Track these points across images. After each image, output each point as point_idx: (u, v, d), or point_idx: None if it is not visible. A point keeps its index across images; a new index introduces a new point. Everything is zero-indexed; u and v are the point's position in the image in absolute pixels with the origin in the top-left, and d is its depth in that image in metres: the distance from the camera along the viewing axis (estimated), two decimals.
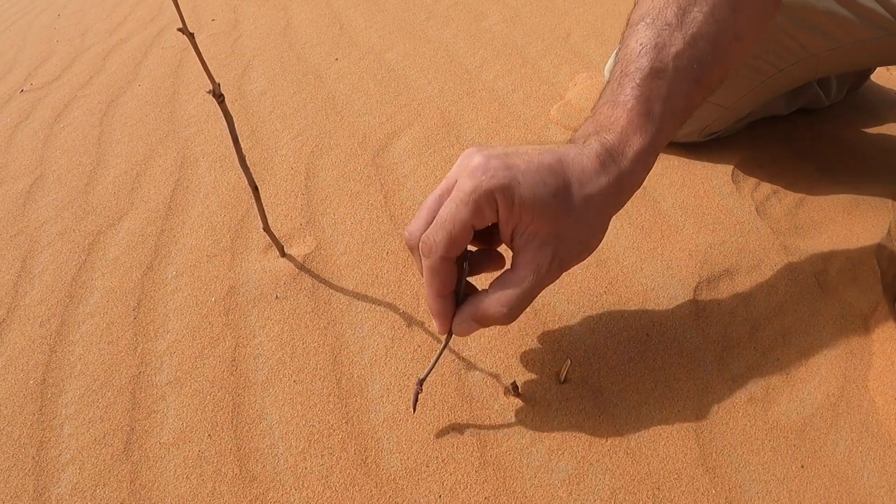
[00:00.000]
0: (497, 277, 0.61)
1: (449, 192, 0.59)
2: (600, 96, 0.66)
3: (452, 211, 0.56)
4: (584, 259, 0.61)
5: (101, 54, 1.57)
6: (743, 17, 0.66)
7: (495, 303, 0.59)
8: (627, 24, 0.69)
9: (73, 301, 0.86)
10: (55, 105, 1.35)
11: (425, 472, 0.64)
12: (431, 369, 0.65)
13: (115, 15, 1.82)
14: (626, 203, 0.63)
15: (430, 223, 0.59)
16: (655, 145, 0.62)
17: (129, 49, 1.58)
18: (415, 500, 0.62)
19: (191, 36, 0.68)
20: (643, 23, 0.66)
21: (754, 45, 0.70)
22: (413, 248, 0.61)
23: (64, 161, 1.15)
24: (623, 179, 0.60)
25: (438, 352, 0.65)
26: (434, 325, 0.64)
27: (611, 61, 1.05)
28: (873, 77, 1.20)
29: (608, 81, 0.66)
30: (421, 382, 0.66)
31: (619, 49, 0.67)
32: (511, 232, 0.58)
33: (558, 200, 0.57)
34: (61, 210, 1.02)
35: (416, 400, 0.67)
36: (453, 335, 0.63)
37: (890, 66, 1.27)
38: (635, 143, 0.60)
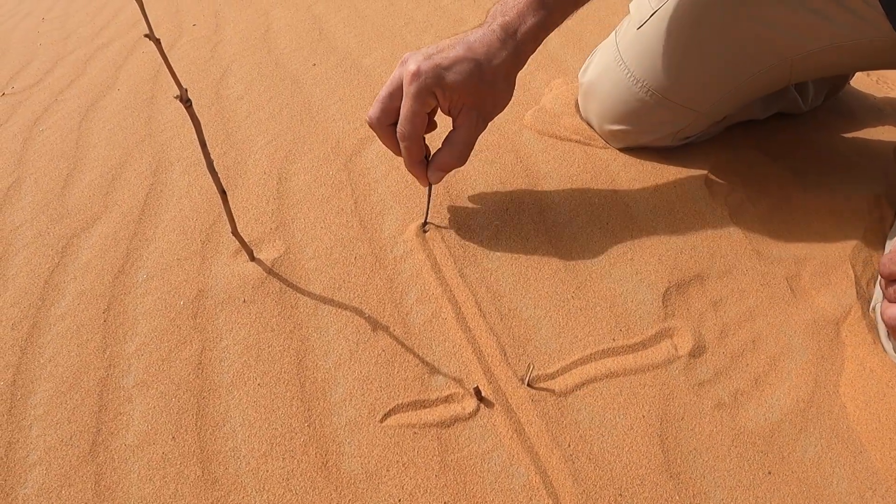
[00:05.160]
0: (446, 137, 0.84)
1: (397, 88, 0.80)
2: None
3: (409, 108, 0.78)
4: (501, 111, 0.86)
5: (82, 58, 1.57)
6: None
7: (447, 154, 0.83)
8: None
9: (45, 304, 0.85)
10: (35, 109, 1.35)
11: (385, 475, 0.64)
12: (428, 210, 0.91)
13: (99, 19, 1.82)
14: (523, 67, 0.84)
15: (383, 111, 0.81)
16: (546, 24, 0.82)
17: (111, 53, 1.58)
18: None
19: (157, 42, 0.68)
20: None
21: None
22: (374, 128, 0.83)
23: (41, 164, 1.15)
24: (518, 49, 0.81)
25: (428, 196, 0.91)
26: (418, 184, 0.90)
27: (585, 67, 1.05)
28: (853, 82, 1.20)
29: None
30: (425, 224, 0.91)
31: None
32: (448, 108, 0.81)
33: (474, 77, 0.78)
34: (37, 213, 1.02)
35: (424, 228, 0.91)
36: (431, 185, 0.88)
37: (870, 71, 1.27)
38: (528, 22, 0.81)
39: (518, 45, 0.81)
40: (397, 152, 0.85)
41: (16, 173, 1.13)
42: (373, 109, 0.82)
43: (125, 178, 1.08)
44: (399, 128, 0.81)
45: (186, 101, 0.71)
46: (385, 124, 0.83)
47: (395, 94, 0.81)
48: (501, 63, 0.80)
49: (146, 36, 0.66)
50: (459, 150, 0.83)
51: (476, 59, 0.79)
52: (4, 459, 0.69)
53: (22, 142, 1.23)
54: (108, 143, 1.19)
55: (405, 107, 0.79)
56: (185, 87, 0.70)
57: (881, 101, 1.18)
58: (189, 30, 1.63)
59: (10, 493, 0.66)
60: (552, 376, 0.72)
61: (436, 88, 0.78)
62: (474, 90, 0.79)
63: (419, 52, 0.80)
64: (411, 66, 0.78)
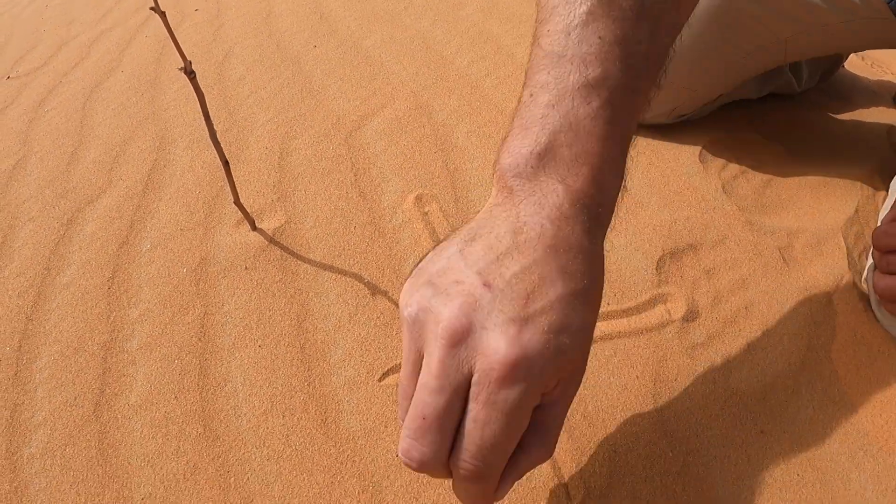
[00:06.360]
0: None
1: (458, 389, 0.43)
2: (538, 91, 0.50)
3: (501, 429, 0.42)
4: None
5: (86, 42, 1.58)
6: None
7: (539, 448, 0.47)
8: (542, 7, 0.52)
9: (51, 273, 0.87)
10: (40, 90, 1.37)
11: (383, 432, 0.65)
12: None
13: (102, 5, 1.83)
14: None
15: (443, 438, 0.43)
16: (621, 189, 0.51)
17: (115, 37, 1.59)
18: (372, 459, 0.63)
19: (163, 14, 0.69)
20: (592, 10, 0.48)
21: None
22: (430, 471, 0.45)
23: (47, 143, 1.16)
24: (605, 237, 0.50)
25: None
26: None
27: None
28: (846, 65, 1.21)
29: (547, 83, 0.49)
30: None
31: (558, 35, 0.49)
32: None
33: (586, 328, 0.46)
34: (43, 188, 1.04)
35: None
36: None
37: (863, 54, 1.28)
38: (612, 190, 0.49)
39: (604, 233, 0.50)
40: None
41: (21, 151, 1.15)
42: (419, 441, 0.43)
43: (129, 154, 1.09)
44: (469, 465, 0.43)
45: (191, 73, 0.72)
46: (447, 459, 0.44)
47: (455, 402, 0.43)
48: (599, 275, 0.48)
49: (151, 9, 0.68)
50: (555, 438, 0.47)
51: (582, 289, 0.45)
52: (10, 420, 0.70)
53: (27, 122, 1.25)
54: (112, 122, 1.20)
55: (489, 429, 0.42)
56: (189, 60, 0.71)
57: (874, 84, 1.19)
58: (191, 14, 1.65)
59: (15, 453, 0.67)
60: None
61: (552, 380, 0.44)
62: (586, 346, 0.47)
63: (493, 306, 0.43)
64: (502, 352, 0.41)
